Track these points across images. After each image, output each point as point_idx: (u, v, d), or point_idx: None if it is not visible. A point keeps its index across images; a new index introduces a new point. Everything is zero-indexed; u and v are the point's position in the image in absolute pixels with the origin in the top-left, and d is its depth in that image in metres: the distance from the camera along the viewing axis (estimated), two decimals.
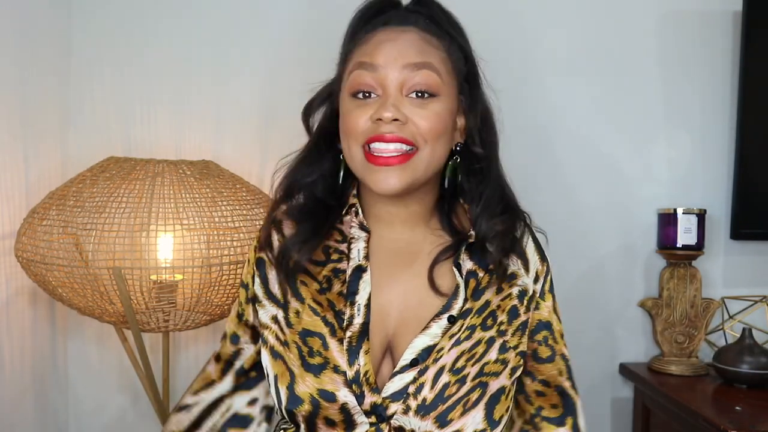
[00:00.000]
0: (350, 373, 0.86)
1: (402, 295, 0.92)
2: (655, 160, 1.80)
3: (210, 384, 0.99)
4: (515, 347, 0.92)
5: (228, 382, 0.99)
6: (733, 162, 1.76)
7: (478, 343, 0.89)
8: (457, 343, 0.88)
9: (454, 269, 0.93)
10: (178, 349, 1.69)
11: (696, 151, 1.81)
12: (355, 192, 0.98)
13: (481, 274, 0.93)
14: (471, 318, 0.90)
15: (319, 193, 0.97)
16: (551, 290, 0.99)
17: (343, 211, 0.98)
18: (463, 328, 0.89)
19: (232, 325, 1.01)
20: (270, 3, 1.70)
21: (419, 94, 0.88)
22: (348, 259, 0.94)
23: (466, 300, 0.91)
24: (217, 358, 1.01)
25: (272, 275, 0.96)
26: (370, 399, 0.85)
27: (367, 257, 0.93)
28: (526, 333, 0.94)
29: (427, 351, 0.87)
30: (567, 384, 0.97)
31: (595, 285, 1.80)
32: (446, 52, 0.91)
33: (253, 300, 0.97)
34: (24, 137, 1.48)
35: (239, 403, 0.99)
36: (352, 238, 0.95)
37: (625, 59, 1.78)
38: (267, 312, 0.94)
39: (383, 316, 0.91)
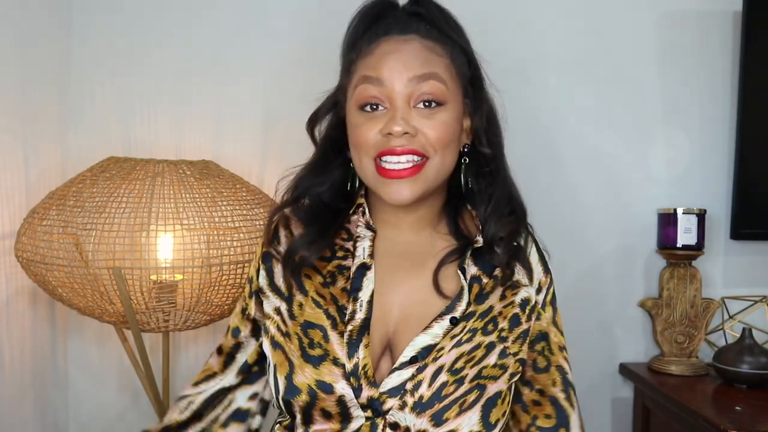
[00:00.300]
0: (349, 366, 0.87)
1: (405, 294, 0.94)
2: (655, 160, 1.80)
3: (211, 376, 1.01)
4: (515, 354, 0.93)
5: (231, 376, 1.00)
6: (733, 162, 1.76)
7: (478, 346, 0.90)
8: (458, 344, 0.89)
9: (459, 272, 0.94)
10: (178, 349, 1.69)
11: (696, 151, 1.81)
12: (363, 192, 1.00)
13: (485, 280, 0.95)
14: (473, 321, 0.92)
15: (327, 200, 0.99)
16: (553, 302, 1.00)
17: (351, 211, 1.00)
18: (465, 330, 0.91)
19: (235, 319, 1.02)
20: (271, 3, 1.69)
21: (426, 104, 0.89)
22: (353, 256, 0.96)
23: (469, 303, 0.92)
24: (219, 350, 1.02)
25: (278, 269, 0.97)
26: (367, 393, 0.86)
27: (372, 256, 0.95)
28: (527, 341, 0.95)
29: (428, 350, 0.89)
30: (561, 395, 0.98)
31: (594, 285, 1.80)
32: (449, 57, 0.92)
33: (257, 293, 0.99)
34: (24, 137, 1.48)
35: (241, 397, 1.00)
36: (358, 236, 0.97)
37: (625, 59, 1.78)
38: (270, 303, 0.96)
39: (385, 313, 0.92)
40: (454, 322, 0.91)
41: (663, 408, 1.61)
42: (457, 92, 0.92)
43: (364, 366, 0.87)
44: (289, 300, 0.94)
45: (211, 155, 1.62)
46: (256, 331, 1.00)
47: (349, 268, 0.95)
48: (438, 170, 0.90)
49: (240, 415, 1.00)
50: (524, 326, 0.94)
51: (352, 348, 0.88)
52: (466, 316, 0.91)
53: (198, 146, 1.67)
